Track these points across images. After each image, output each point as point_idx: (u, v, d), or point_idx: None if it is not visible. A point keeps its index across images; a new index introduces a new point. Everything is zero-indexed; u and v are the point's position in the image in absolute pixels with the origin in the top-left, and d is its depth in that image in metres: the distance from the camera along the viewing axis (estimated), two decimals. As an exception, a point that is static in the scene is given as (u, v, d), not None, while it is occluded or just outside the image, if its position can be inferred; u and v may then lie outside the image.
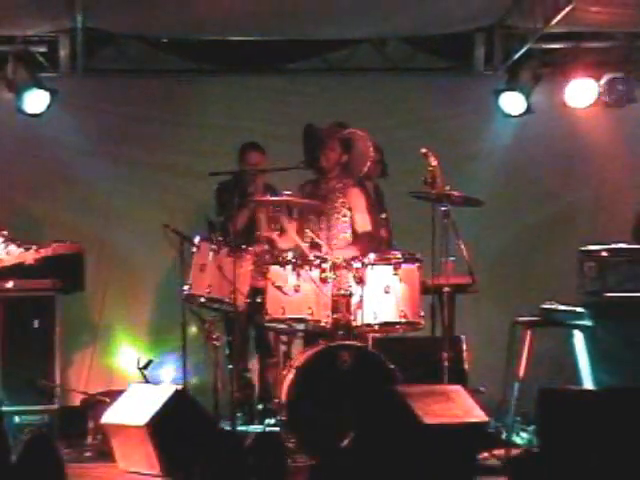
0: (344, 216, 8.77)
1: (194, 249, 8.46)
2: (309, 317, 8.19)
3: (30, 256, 8.30)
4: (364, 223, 8.76)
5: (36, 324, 9.53)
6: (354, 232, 8.76)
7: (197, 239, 8.49)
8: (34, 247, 8.17)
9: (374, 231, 8.82)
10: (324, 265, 8.20)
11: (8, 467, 5.94)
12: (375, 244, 8.71)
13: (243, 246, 8.58)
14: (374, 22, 9.93)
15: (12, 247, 7.94)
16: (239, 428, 8.30)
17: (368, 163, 8.91)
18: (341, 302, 8.20)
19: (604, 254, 9.69)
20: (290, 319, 8.26)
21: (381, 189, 9.41)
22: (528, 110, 10.46)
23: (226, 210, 9.25)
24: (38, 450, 5.58)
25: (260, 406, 8.85)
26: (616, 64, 10.32)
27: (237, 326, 8.98)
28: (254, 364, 9.51)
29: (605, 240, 9.72)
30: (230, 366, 8.80)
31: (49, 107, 10.06)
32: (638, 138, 10.30)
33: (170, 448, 7.46)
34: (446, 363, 8.30)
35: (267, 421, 8.45)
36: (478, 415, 7.77)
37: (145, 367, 8.94)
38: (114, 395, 8.43)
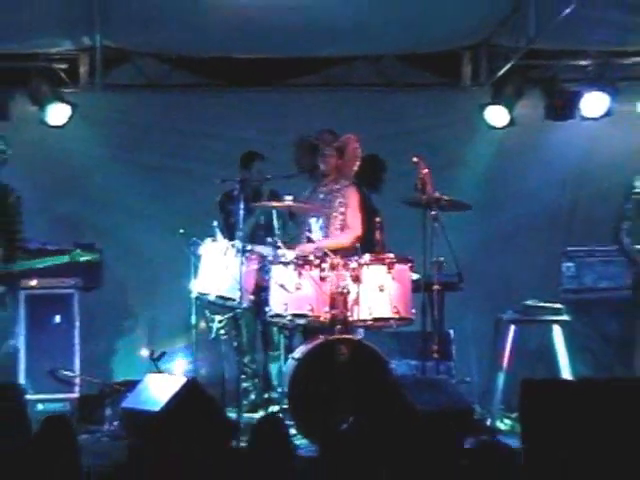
0: (341, 214, 8.79)
1: (204, 251, 8.47)
2: (309, 313, 8.19)
3: (52, 263, 8.35)
4: (355, 222, 8.78)
5: (57, 319, 9.52)
6: (346, 226, 8.77)
7: (206, 241, 8.50)
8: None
9: (366, 232, 8.81)
10: (323, 265, 8.20)
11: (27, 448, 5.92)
12: (367, 246, 8.70)
13: (248, 247, 8.59)
14: (370, 40, 9.92)
15: None
16: (244, 416, 8.32)
17: (358, 163, 8.94)
18: (339, 299, 8.17)
19: (581, 255, 9.72)
20: (292, 315, 8.26)
21: (371, 196, 9.39)
22: (511, 122, 10.44)
23: (231, 215, 9.24)
24: (54, 430, 5.54)
25: (266, 395, 8.82)
26: (593, 80, 10.31)
27: (243, 321, 9.01)
28: (261, 356, 9.49)
29: (581, 242, 9.75)
30: (237, 358, 8.81)
31: (70, 119, 10.04)
32: (612, 148, 10.26)
33: (183, 432, 7.46)
34: (435, 355, 8.32)
35: (271, 409, 8.42)
36: (465, 403, 7.79)
37: (159, 359, 8.93)
38: (130, 385, 8.44)
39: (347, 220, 8.78)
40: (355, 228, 8.78)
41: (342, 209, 8.80)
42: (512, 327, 9.01)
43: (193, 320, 8.62)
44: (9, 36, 9.34)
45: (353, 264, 8.22)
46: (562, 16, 8.56)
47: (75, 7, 8.65)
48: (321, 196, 8.88)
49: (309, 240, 8.74)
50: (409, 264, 8.33)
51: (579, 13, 8.56)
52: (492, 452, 4.65)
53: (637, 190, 8.06)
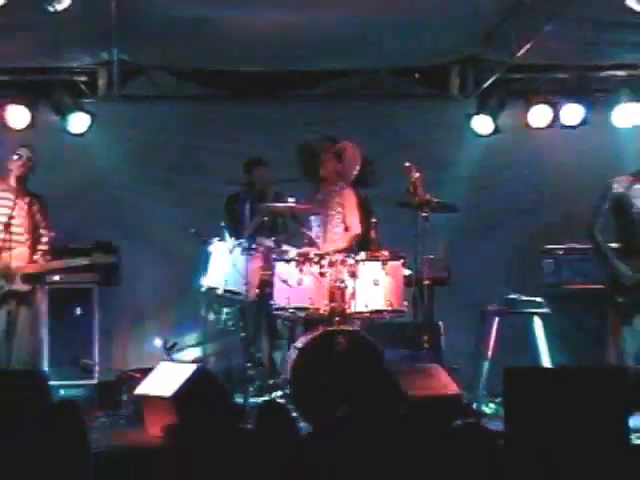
0: (339, 213, 8.83)
1: (212, 248, 8.49)
2: (310, 306, 8.22)
3: (74, 263, 8.38)
4: (353, 220, 8.81)
5: (78, 311, 9.57)
6: (345, 227, 8.80)
7: (215, 240, 8.52)
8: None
9: (363, 232, 8.84)
10: (323, 262, 8.22)
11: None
12: (363, 244, 8.73)
13: (253, 246, 8.62)
14: (366, 55, 9.93)
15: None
16: (250, 400, 8.34)
17: (357, 167, 8.96)
18: (337, 293, 8.19)
19: (559, 252, 9.74)
20: (294, 307, 8.29)
21: (368, 198, 9.39)
22: (495, 131, 10.47)
23: (237, 216, 9.26)
24: (65, 414, 5.53)
25: (270, 381, 8.83)
26: (570, 91, 10.32)
27: (249, 313, 9.02)
28: (265, 345, 9.50)
29: (560, 240, 9.76)
30: (243, 347, 8.83)
31: (89, 127, 10.06)
32: (588, 153, 10.28)
33: (193, 416, 7.48)
34: (426, 345, 8.33)
35: (274, 394, 8.44)
36: (453, 389, 7.81)
37: (171, 348, 8.98)
38: (145, 372, 8.45)
39: (346, 220, 8.81)
40: (354, 227, 8.81)
41: (340, 209, 8.84)
42: (496, 319, 9.02)
43: (203, 312, 8.67)
44: (36, 52, 9.36)
45: (350, 261, 8.25)
46: (541, 33, 8.61)
47: (95, 26, 8.66)
48: (320, 197, 8.92)
49: (310, 239, 8.77)
50: (402, 260, 8.35)
51: (557, 31, 8.59)
52: (476, 434, 4.66)
53: (614, 191, 8.04)
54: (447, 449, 4.96)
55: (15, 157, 8.27)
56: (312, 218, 8.90)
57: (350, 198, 8.88)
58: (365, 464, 4.64)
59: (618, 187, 7.99)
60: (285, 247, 8.60)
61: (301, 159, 9.15)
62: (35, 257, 8.20)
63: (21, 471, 4.75)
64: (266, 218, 9.07)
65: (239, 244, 8.50)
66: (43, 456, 4.93)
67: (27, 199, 8.26)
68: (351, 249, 8.54)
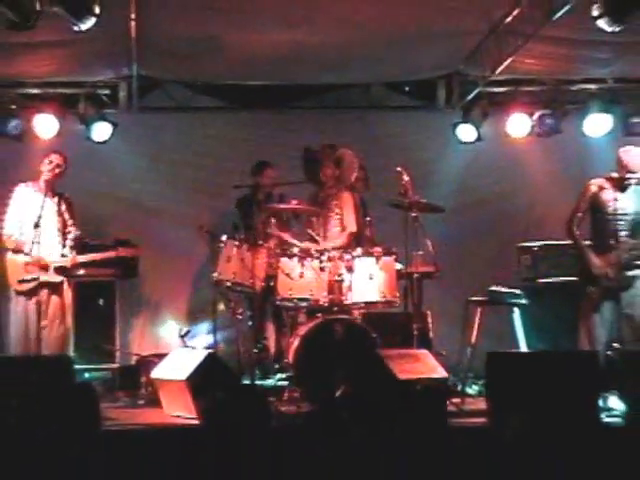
0: (337, 214, 8.80)
1: (222, 245, 8.47)
2: (310, 297, 8.19)
3: (99, 257, 8.38)
4: (350, 220, 8.78)
5: (101, 302, 9.57)
6: (342, 227, 8.79)
7: (224, 237, 8.49)
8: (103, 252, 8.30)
9: (359, 230, 8.83)
10: (322, 257, 8.21)
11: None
12: (359, 241, 8.72)
13: (260, 242, 8.60)
14: (361, 71, 9.93)
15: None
16: (257, 382, 8.33)
17: (354, 174, 8.95)
18: (335, 286, 8.17)
19: (536, 249, 9.74)
20: (296, 298, 8.27)
21: (364, 200, 9.37)
22: (478, 139, 10.45)
23: (245, 215, 9.25)
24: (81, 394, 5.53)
25: (275, 365, 8.82)
26: (545, 103, 10.31)
27: (255, 304, 9.00)
28: (271, 333, 9.50)
29: (537, 238, 9.75)
30: (250, 334, 8.82)
31: (111, 136, 10.04)
32: (562, 159, 10.29)
33: (204, 397, 7.47)
34: (415, 332, 8.31)
35: (279, 376, 8.44)
36: (440, 372, 7.80)
37: (185, 335, 8.96)
38: (161, 357, 8.44)
39: (343, 220, 8.79)
40: (350, 226, 8.79)
41: (337, 210, 8.81)
42: (479, 309, 9.00)
43: (213, 303, 8.66)
44: (64, 68, 9.37)
45: (347, 256, 8.23)
46: (519, 51, 8.60)
47: (117, 44, 8.66)
48: (320, 199, 8.90)
49: (311, 237, 8.75)
50: (394, 256, 8.33)
51: (533, 49, 8.59)
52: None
53: (591, 193, 8.04)
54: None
55: (46, 161, 8.27)
56: (313, 219, 8.88)
57: (347, 200, 8.86)
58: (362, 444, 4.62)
59: (594, 189, 8.01)
60: (295, 242, 8.61)
61: (303, 164, 9.14)
62: (63, 251, 8.20)
63: (42, 444, 4.73)
64: (272, 217, 9.05)
65: (246, 240, 8.49)
66: (61, 430, 4.91)
67: (56, 199, 8.27)
68: (348, 246, 8.52)
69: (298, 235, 8.90)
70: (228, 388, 7.46)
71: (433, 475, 4.04)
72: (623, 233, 7.91)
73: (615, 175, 7.94)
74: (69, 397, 5.25)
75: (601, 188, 7.97)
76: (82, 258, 8.31)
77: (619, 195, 7.93)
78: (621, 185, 7.94)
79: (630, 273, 7.87)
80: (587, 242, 8.05)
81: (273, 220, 8.86)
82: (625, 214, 7.91)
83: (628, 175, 7.91)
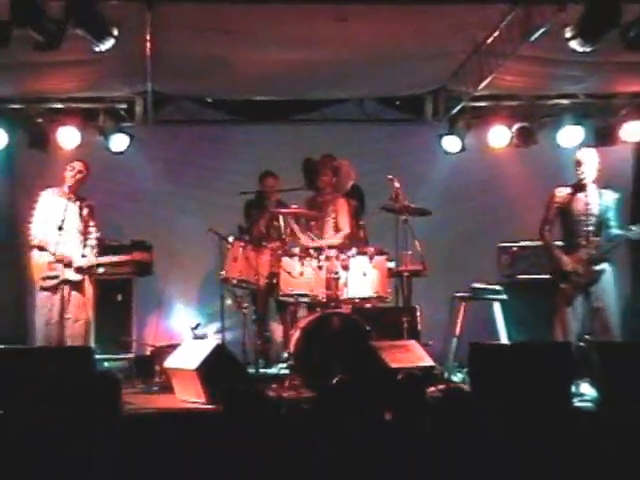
0: (333, 218, 8.84)
1: (229, 246, 8.50)
2: (310, 293, 8.23)
3: (116, 259, 8.41)
4: (344, 223, 8.82)
5: (119, 298, 9.57)
6: (337, 229, 8.81)
7: (231, 239, 8.53)
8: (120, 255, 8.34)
9: (353, 232, 8.86)
10: (320, 257, 8.24)
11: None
12: (353, 242, 8.75)
13: (263, 243, 8.63)
14: (355, 87, 9.96)
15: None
16: (260, 371, 8.35)
17: (350, 182, 8.97)
18: (332, 282, 8.20)
19: (515, 249, 9.78)
20: (297, 294, 8.30)
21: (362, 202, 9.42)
22: (462, 149, 10.47)
23: (251, 219, 9.27)
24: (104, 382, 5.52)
25: (277, 355, 8.84)
26: (523, 116, 10.33)
27: (259, 299, 9.03)
28: (275, 326, 9.52)
29: (516, 239, 9.78)
30: (255, 327, 8.85)
31: (128, 146, 10.07)
32: (537, 168, 10.28)
33: (212, 384, 7.50)
34: (405, 325, 8.35)
35: (280, 365, 8.45)
36: (427, 361, 7.83)
37: (195, 328, 9.00)
38: (174, 347, 8.45)
39: (338, 223, 8.83)
40: (344, 229, 8.83)
41: (334, 215, 8.85)
42: (463, 304, 9.04)
43: (221, 298, 8.68)
44: (86, 84, 9.38)
45: (343, 256, 8.26)
46: (499, 69, 8.63)
47: (133, 64, 8.66)
48: (319, 204, 8.93)
49: (311, 238, 8.77)
50: (385, 256, 8.37)
51: (512, 67, 8.61)
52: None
53: (556, 199, 8.10)
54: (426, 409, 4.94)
55: (69, 169, 8.29)
56: (312, 223, 8.91)
57: (342, 205, 8.90)
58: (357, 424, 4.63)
59: (560, 196, 8.07)
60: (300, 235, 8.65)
61: (304, 172, 9.18)
62: (84, 252, 8.21)
63: (66, 429, 4.75)
64: (277, 222, 9.07)
65: (251, 241, 8.52)
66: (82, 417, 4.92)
67: (78, 203, 8.27)
68: (343, 245, 8.54)
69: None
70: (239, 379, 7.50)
71: (419, 449, 4.09)
72: (591, 233, 7.97)
73: (574, 181, 8.03)
74: (93, 384, 5.26)
75: (568, 195, 8.04)
76: (100, 260, 8.33)
77: (584, 198, 7.99)
78: (580, 185, 8.02)
79: (597, 267, 7.94)
80: (559, 243, 8.10)
81: (270, 221, 8.91)
82: (592, 215, 7.97)
83: (580, 170, 7.99)
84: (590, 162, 8.03)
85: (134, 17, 7.16)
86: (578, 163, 8.05)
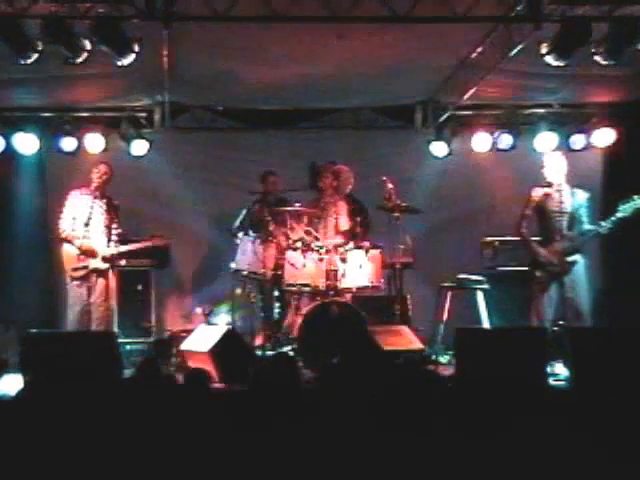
0: (334, 219, 8.84)
1: (239, 240, 8.52)
2: (311, 283, 8.26)
3: (138, 246, 8.42)
4: (343, 222, 8.82)
5: (140, 287, 9.59)
6: (337, 228, 8.82)
7: (241, 234, 8.55)
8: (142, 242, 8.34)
9: (352, 228, 8.86)
10: (321, 251, 8.26)
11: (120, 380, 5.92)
12: (352, 237, 8.76)
13: (269, 238, 8.64)
14: (352, 97, 9.97)
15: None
16: (267, 353, 8.38)
17: (350, 186, 8.98)
18: (332, 273, 8.23)
19: (496, 243, 9.78)
20: (299, 284, 8.32)
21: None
22: (449, 153, 10.45)
23: (258, 217, 9.26)
24: (148, 369, 5.49)
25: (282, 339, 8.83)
26: (504, 124, 10.34)
27: (266, 289, 9.03)
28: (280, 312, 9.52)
29: (497, 234, 9.78)
30: (262, 314, 8.86)
31: (148, 151, 10.06)
32: (517, 171, 10.23)
33: (224, 365, 7.53)
34: (397, 312, 8.37)
35: (285, 349, 8.47)
36: (417, 344, 7.86)
37: (208, 315, 9.01)
38: (189, 332, 8.49)
39: (338, 223, 8.83)
40: (343, 227, 8.83)
41: (335, 215, 8.86)
42: (449, 293, 9.06)
43: (232, 288, 8.70)
44: (109, 95, 9.44)
45: (341, 249, 8.28)
46: (482, 81, 8.64)
47: (152, 77, 8.69)
48: (321, 205, 8.94)
49: (314, 235, 8.75)
50: (380, 249, 8.39)
51: (493, 79, 8.62)
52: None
53: (533, 198, 8.13)
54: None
55: (95, 170, 8.37)
56: (314, 221, 8.90)
57: (342, 207, 8.90)
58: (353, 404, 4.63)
59: (536, 196, 8.11)
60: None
61: (308, 174, 9.19)
62: (109, 245, 8.26)
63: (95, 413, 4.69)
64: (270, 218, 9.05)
65: (259, 236, 8.53)
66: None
67: (103, 202, 8.35)
68: (345, 242, 8.54)
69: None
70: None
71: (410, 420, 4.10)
72: (565, 228, 8.01)
73: (546, 182, 8.07)
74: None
75: (543, 194, 8.08)
76: (123, 248, 8.37)
77: (558, 197, 8.04)
78: (553, 185, 8.06)
79: (570, 259, 7.97)
80: (536, 238, 8.13)
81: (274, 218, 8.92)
82: (565, 212, 8.02)
83: (547, 172, 8.08)
84: (555, 164, 8.11)
85: (153, 34, 7.18)
86: (544, 166, 8.13)
